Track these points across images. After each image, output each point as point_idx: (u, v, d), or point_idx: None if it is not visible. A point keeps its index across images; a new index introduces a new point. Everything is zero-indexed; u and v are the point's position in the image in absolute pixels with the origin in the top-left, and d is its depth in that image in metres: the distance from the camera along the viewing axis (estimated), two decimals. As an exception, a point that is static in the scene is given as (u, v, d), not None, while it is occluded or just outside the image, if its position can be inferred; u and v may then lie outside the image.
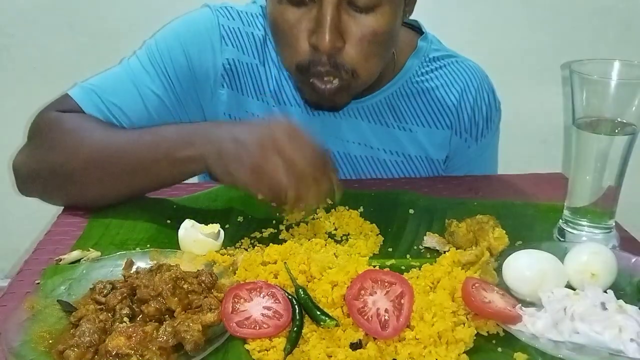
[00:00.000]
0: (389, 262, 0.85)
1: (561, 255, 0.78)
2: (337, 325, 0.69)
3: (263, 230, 0.92)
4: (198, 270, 0.76)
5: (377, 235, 0.91)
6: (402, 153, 1.16)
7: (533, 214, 0.97)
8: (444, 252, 0.85)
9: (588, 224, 0.87)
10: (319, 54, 0.94)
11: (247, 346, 0.67)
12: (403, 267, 0.83)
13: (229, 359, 0.67)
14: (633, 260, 0.80)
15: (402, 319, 0.68)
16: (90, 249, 0.85)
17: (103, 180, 0.94)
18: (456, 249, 0.84)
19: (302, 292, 0.73)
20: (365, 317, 0.69)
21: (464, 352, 0.67)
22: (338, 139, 1.14)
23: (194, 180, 1.10)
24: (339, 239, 0.91)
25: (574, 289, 0.75)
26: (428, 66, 1.16)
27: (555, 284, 0.74)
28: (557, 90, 1.87)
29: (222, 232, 0.87)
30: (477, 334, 0.69)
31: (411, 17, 1.17)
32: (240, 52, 1.10)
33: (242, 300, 0.71)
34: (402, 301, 0.70)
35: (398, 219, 0.96)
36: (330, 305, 0.72)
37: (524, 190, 1.08)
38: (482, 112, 1.18)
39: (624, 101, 0.82)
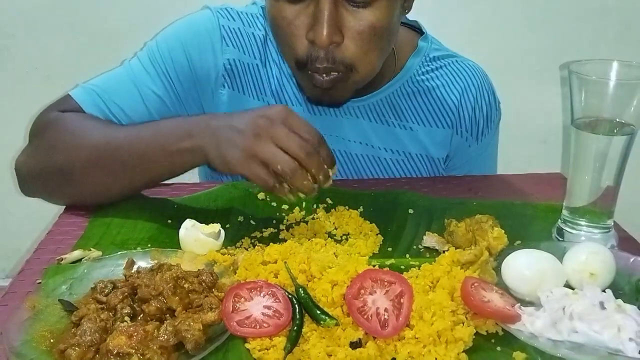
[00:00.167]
0: (388, 262, 0.85)
1: (560, 255, 0.78)
2: (337, 324, 0.69)
3: (263, 230, 0.93)
4: (199, 269, 0.77)
5: (377, 235, 0.92)
6: (403, 152, 1.16)
7: (532, 214, 0.97)
8: (444, 251, 0.85)
9: (587, 223, 0.88)
10: (317, 49, 0.95)
11: (247, 345, 0.68)
12: (402, 267, 0.83)
13: (230, 358, 0.67)
14: (632, 259, 0.81)
15: (402, 318, 0.69)
16: (92, 249, 0.86)
17: (104, 177, 0.94)
18: (455, 249, 0.84)
19: (302, 292, 0.73)
20: (365, 317, 0.69)
21: (463, 351, 0.67)
22: (339, 137, 1.14)
23: (194, 180, 1.11)
24: (339, 238, 0.91)
25: (572, 289, 0.75)
26: (429, 65, 1.16)
27: (554, 284, 0.74)
28: (556, 90, 1.87)
29: (222, 231, 0.88)
30: (476, 333, 0.70)
31: (411, 18, 1.17)
32: (241, 53, 1.11)
33: (242, 299, 0.71)
34: (402, 300, 0.70)
35: (398, 219, 0.96)
36: (330, 304, 0.72)
37: (523, 190, 1.08)
38: (483, 112, 1.18)
39: (623, 101, 0.82)
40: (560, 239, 0.89)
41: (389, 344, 0.67)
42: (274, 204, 1.00)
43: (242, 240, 0.90)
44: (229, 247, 0.87)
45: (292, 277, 0.76)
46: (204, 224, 0.87)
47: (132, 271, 0.79)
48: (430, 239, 0.89)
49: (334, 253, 0.85)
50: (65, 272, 0.79)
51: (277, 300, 0.71)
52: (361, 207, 0.98)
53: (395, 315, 0.69)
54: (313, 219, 0.96)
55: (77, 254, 0.84)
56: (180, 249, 0.85)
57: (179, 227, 0.86)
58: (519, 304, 0.72)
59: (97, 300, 0.73)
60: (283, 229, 0.93)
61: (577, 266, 0.77)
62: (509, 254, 0.78)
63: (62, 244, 0.89)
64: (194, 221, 0.87)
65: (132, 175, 0.94)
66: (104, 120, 1.01)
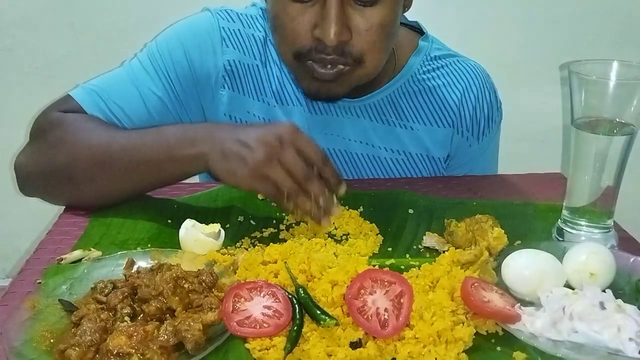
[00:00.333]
0: (388, 262, 0.85)
1: (560, 255, 0.78)
2: (337, 324, 0.69)
3: (263, 230, 0.93)
4: (199, 269, 0.77)
5: (377, 235, 0.92)
6: (403, 151, 1.16)
7: (532, 214, 0.98)
8: (443, 251, 0.85)
9: (587, 223, 0.88)
10: (323, 44, 0.95)
11: (247, 345, 0.68)
12: (402, 267, 0.83)
13: (230, 358, 0.67)
14: (632, 259, 0.81)
15: (402, 318, 0.69)
16: (92, 249, 0.86)
17: (104, 180, 0.94)
18: (455, 249, 0.84)
19: (302, 292, 0.73)
20: (365, 317, 0.69)
21: (463, 351, 0.67)
22: (340, 137, 1.14)
23: (194, 180, 1.11)
24: (339, 238, 0.91)
25: (572, 289, 0.75)
26: (430, 65, 1.17)
27: (554, 284, 0.74)
28: (556, 90, 1.87)
29: (222, 231, 0.88)
30: (476, 333, 0.70)
31: (411, 18, 1.17)
32: (241, 54, 1.11)
33: (242, 299, 0.71)
34: (402, 300, 0.70)
35: (397, 219, 0.96)
36: (330, 304, 0.72)
37: (522, 190, 1.08)
38: (484, 111, 1.18)
39: (623, 101, 0.82)
40: (560, 239, 0.89)
41: (389, 344, 0.67)
42: (274, 204, 1.00)
43: (242, 240, 0.90)
44: (229, 247, 0.87)
45: (292, 277, 0.76)
46: (204, 224, 0.87)
47: (132, 271, 0.79)
48: (430, 239, 0.89)
49: (334, 253, 0.85)
50: (65, 272, 0.80)
51: (277, 300, 0.71)
52: (361, 207, 0.98)
53: (395, 315, 0.69)
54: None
55: (77, 254, 0.84)
56: (180, 249, 0.85)
57: (179, 227, 0.86)
58: (519, 304, 0.72)
59: (97, 300, 0.73)
60: (283, 229, 0.93)
61: (577, 266, 0.77)
62: (509, 254, 0.78)
63: (62, 244, 0.89)
64: (194, 221, 0.87)
65: (133, 179, 0.94)
66: (106, 122, 1.02)
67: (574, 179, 0.89)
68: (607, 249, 0.80)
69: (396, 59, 1.13)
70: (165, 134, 0.93)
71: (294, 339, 0.68)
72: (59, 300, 0.74)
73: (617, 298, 0.72)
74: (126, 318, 0.70)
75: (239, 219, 0.96)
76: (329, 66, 0.97)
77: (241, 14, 1.14)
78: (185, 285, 0.73)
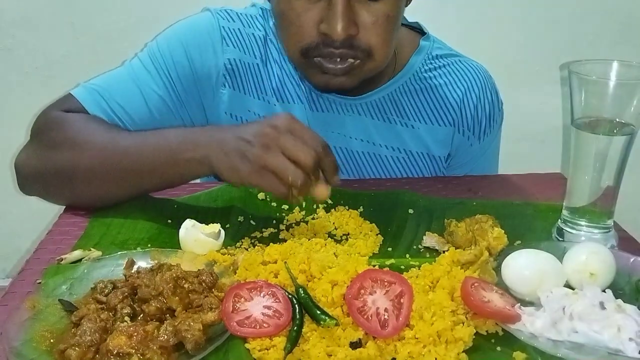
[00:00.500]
0: (388, 262, 0.85)
1: (560, 255, 0.78)
2: (337, 324, 0.69)
3: (263, 230, 0.93)
4: (199, 269, 0.77)
5: (377, 234, 0.92)
6: (404, 150, 1.17)
7: (532, 214, 0.98)
8: (443, 251, 0.85)
9: (587, 223, 0.88)
10: (330, 39, 0.95)
11: (247, 345, 0.68)
12: (402, 267, 0.83)
13: (230, 358, 0.67)
14: (632, 259, 0.80)
15: (402, 318, 0.69)
16: (92, 249, 0.86)
17: (105, 181, 0.94)
18: (455, 249, 0.84)
19: (302, 292, 0.73)
20: (365, 317, 0.69)
21: (463, 351, 0.67)
22: (341, 135, 1.14)
23: (195, 180, 1.11)
24: (339, 238, 0.91)
25: (572, 289, 0.75)
26: (432, 64, 1.17)
27: (554, 284, 0.74)
28: (556, 90, 1.87)
29: (222, 231, 0.88)
30: (476, 333, 0.70)
31: (412, 19, 1.17)
32: (241, 52, 1.11)
33: (242, 299, 0.71)
34: (402, 300, 0.70)
35: (398, 219, 0.96)
36: (330, 304, 0.72)
37: (522, 190, 1.08)
38: (485, 111, 1.18)
39: (623, 101, 0.82)
40: (560, 239, 0.89)
41: (389, 344, 0.67)
42: (274, 204, 1.00)
43: (242, 240, 0.90)
44: (229, 247, 0.87)
45: (292, 277, 0.76)
46: (204, 224, 0.87)
47: (132, 271, 0.79)
48: (430, 239, 0.89)
49: (334, 253, 0.85)
50: (65, 272, 0.80)
51: (277, 300, 0.71)
52: (361, 207, 0.98)
53: (395, 315, 0.69)
54: (313, 219, 0.96)
55: (77, 254, 0.84)
56: (180, 249, 0.85)
57: (179, 227, 0.86)
58: (519, 304, 0.72)
59: (97, 300, 0.73)
60: (283, 229, 0.93)
61: (577, 266, 0.77)
62: (509, 254, 0.78)
63: (62, 244, 0.89)
64: (194, 221, 0.87)
65: (135, 181, 0.94)
66: (107, 123, 1.02)
67: (574, 179, 0.89)
68: (607, 249, 0.80)
69: (397, 58, 1.14)
70: (167, 137, 0.93)
71: (294, 339, 0.68)
72: (59, 300, 0.74)
73: (617, 298, 0.72)
74: (126, 318, 0.70)
75: (239, 219, 0.96)
76: (339, 60, 0.98)
77: (241, 13, 1.14)
78: (185, 285, 0.73)
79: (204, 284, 0.74)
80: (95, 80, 1.07)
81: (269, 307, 0.71)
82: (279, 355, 0.66)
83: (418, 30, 1.20)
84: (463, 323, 0.70)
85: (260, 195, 1.02)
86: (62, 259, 0.83)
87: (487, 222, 0.87)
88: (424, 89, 1.16)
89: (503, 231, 0.85)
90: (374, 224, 0.94)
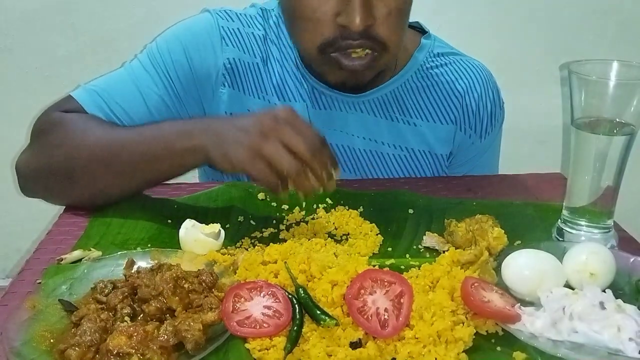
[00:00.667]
0: (388, 262, 0.85)
1: (560, 255, 0.78)
2: (337, 324, 0.69)
3: (263, 230, 0.93)
4: (199, 269, 0.77)
5: (377, 234, 0.92)
6: (406, 147, 1.17)
7: (532, 214, 0.98)
8: (443, 251, 0.85)
9: (587, 223, 0.88)
10: (349, 31, 0.96)
11: (247, 345, 0.68)
12: (402, 267, 0.83)
13: (230, 358, 0.67)
14: (632, 259, 0.80)
15: (402, 318, 0.69)
16: (92, 249, 0.86)
17: (104, 178, 0.94)
18: (455, 249, 0.84)
19: (302, 292, 0.73)
20: (365, 317, 0.69)
21: (463, 351, 0.67)
22: (343, 132, 1.15)
23: (194, 180, 1.11)
24: (339, 238, 0.91)
25: (572, 289, 0.75)
26: (434, 61, 1.18)
27: (554, 284, 0.74)
28: (556, 90, 1.87)
29: (222, 231, 0.88)
30: (476, 333, 0.69)
31: (412, 19, 1.17)
32: (241, 52, 1.11)
33: (242, 299, 0.71)
34: (402, 300, 0.70)
35: (397, 219, 0.96)
36: (330, 304, 0.72)
37: (523, 190, 1.08)
38: (487, 109, 1.19)
39: (623, 101, 0.82)
40: (560, 239, 0.89)
41: (389, 344, 0.67)
42: (274, 204, 1.00)
43: (242, 240, 0.90)
44: (229, 247, 0.87)
45: (292, 277, 0.76)
46: (204, 224, 0.87)
47: (132, 271, 0.79)
48: (430, 239, 0.89)
49: (334, 253, 0.85)
50: (65, 272, 0.80)
51: (277, 300, 0.71)
52: (361, 207, 0.98)
53: (395, 315, 0.69)
54: (313, 219, 0.96)
55: (77, 254, 0.84)
56: (180, 249, 0.85)
57: (179, 227, 0.86)
58: (519, 304, 0.72)
59: (97, 300, 0.73)
60: (283, 229, 0.93)
61: (577, 266, 0.77)
62: (509, 254, 0.78)
63: (62, 244, 0.89)
64: (194, 221, 0.87)
65: (133, 175, 0.94)
66: (105, 121, 1.02)
67: (574, 179, 0.89)
68: (607, 249, 0.80)
69: (399, 56, 1.14)
70: (163, 128, 0.94)
71: (294, 339, 0.68)
72: (59, 300, 0.74)
73: (617, 298, 0.72)
74: (126, 318, 0.70)
75: (239, 219, 0.96)
76: (358, 50, 0.98)
77: (240, 13, 1.15)
78: (185, 285, 0.73)
79: (204, 284, 0.74)
80: (94, 82, 1.08)
81: (269, 307, 0.71)
82: (279, 355, 0.66)
83: (419, 29, 1.20)
84: (463, 323, 0.70)
85: (260, 195, 1.02)
86: (62, 259, 0.83)
87: (487, 222, 0.87)
88: (426, 87, 1.16)
89: (503, 231, 0.85)
90: (374, 224, 0.94)
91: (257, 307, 0.71)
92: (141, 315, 0.71)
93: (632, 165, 0.86)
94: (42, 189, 1.01)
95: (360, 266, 0.77)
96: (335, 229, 0.93)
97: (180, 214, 0.92)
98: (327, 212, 0.97)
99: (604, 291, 0.73)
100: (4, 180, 1.67)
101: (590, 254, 0.77)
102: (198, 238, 0.85)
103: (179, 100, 1.09)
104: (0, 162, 1.71)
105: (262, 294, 0.72)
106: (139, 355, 0.64)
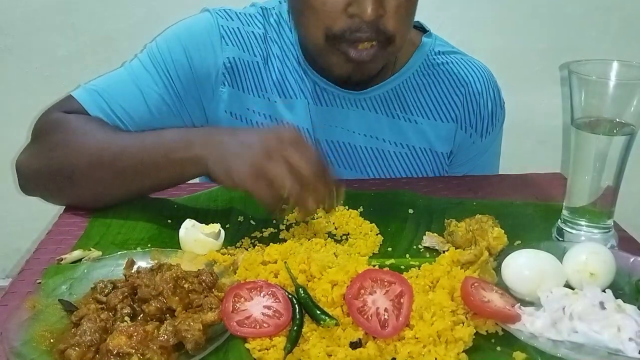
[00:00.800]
0: (388, 262, 0.85)
1: (560, 255, 0.78)
2: (337, 324, 0.69)
3: (263, 230, 0.93)
4: (199, 269, 0.77)
5: (377, 234, 0.92)
6: (407, 145, 1.17)
7: (532, 214, 0.98)
8: (443, 251, 0.85)
9: (587, 223, 0.88)
10: (358, 22, 0.96)
11: (247, 345, 0.68)
12: (402, 267, 0.83)
13: (230, 358, 0.67)
14: (632, 259, 0.81)
15: (402, 318, 0.69)
16: (92, 249, 0.86)
17: (104, 181, 0.95)
18: (455, 249, 0.84)
19: (302, 292, 0.73)
20: (365, 317, 0.69)
21: (463, 351, 0.67)
22: (344, 129, 1.15)
23: (194, 180, 1.11)
24: (339, 238, 0.91)
25: (572, 289, 0.75)
26: (435, 60, 1.18)
27: (554, 284, 0.74)
28: (556, 90, 1.87)
29: (222, 231, 0.88)
30: (476, 333, 0.70)
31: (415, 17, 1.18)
32: (241, 51, 1.11)
33: (242, 299, 0.71)
34: (402, 300, 0.70)
35: (397, 219, 0.96)
36: (330, 304, 0.72)
37: (522, 190, 1.08)
38: (488, 108, 1.19)
39: (623, 101, 0.82)
40: (560, 239, 0.89)
41: (389, 344, 0.67)
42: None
43: (242, 240, 0.90)
44: (229, 247, 0.87)
45: (292, 277, 0.76)
46: (204, 224, 0.87)
47: (132, 271, 0.79)
48: (430, 239, 0.89)
49: (334, 253, 0.85)
50: (65, 272, 0.80)
51: (277, 300, 0.71)
52: (361, 207, 0.98)
53: (395, 315, 0.69)
54: (313, 219, 0.96)
55: (77, 254, 0.84)
56: (180, 249, 0.85)
57: (179, 227, 0.86)
58: (519, 304, 0.72)
59: (97, 300, 0.73)
60: (283, 229, 0.93)
61: (577, 266, 0.77)
62: (509, 254, 0.78)
63: (62, 244, 0.89)
64: (194, 221, 0.87)
65: (132, 180, 0.94)
66: (106, 124, 1.02)
67: (574, 179, 0.89)
68: (607, 249, 0.80)
69: (400, 53, 1.14)
70: (164, 136, 0.93)
71: (294, 339, 0.68)
72: (59, 300, 0.74)
73: (617, 298, 0.72)
74: (126, 318, 0.70)
75: (239, 219, 0.96)
76: (365, 43, 0.98)
77: (240, 12, 1.15)
78: (185, 285, 0.73)
79: (204, 284, 0.74)
80: (95, 82, 1.08)
81: (269, 307, 0.71)
82: (279, 355, 0.66)
83: (420, 28, 1.21)
84: (463, 323, 0.70)
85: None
86: (62, 259, 0.83)
87: (487, 222, 0.87)
88: (428, 85, 1.17)
89: (503, 231, 0.85)
90: (374, 224, 0.94)
91: (257, 307, 0.71)
92: (141, 315, 0.71)
93: (632, 165, 0.86)
94: (42, 188, 1.01)
95: (360, 266, 0.77)
96: (335, 229, 0.93)
97: (180, 214, 0.92)
98: (326, 213, 0.97)
99: (604, 291, 0.73)
100: (4, 180, 1.67)
101: (590, 254, 0.77)
102: (198, 238, 0.85)
103: (179, 99, 1.09)
104: (0, 162, 1.71)
105: (262, 294, 0.72)
106: (139, 355, 0.64)
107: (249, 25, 1.13)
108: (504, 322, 0.70)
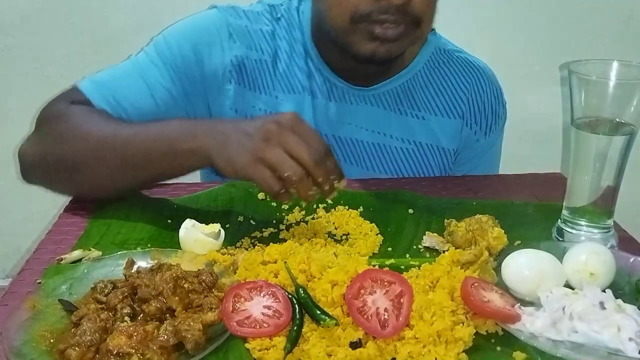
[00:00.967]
0: (388, 262, 0.85)
1: (560, 255, 0.78)
2: (337, 324, 0.69)
3: (263, 229, 0.93)
4: (199, 269, 0.77)
5: (377, 234, 0.92)
6: (414, 141, 1.18)
7: (532, 214, 0.98)
8: (443, 251, 0.85)
9: (587, 223, 0.88)
10: (386, 4, 0.96)
11: (247, 345, 0.68)
12: (402, 267, 0.83)
13: (230, 358, 0.67)
14: (631, 259, 0.81)
15: (402, 318, 0.69)
16: (92, 249, 0.86)
17: (107, 170, 0.94)
18: (455, 249, 0.84)
19: (302, 292, 0.73)
20: (365, 316, 0.69)
21: (463, 351, 0.67)
22: (352, 125, 1.15)
23: (194, 180, 1.11)
24: (339, 238, 0.91)
25: (572, 289, 0.75)
26: (441, 57, 1.20)
27: (554, 284, 0.74)
28: (556, 90, 1.87)
29: (222, 231, 0.88)
30: (476, 333, 0.70)
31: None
32: (248, 49, 1.12)
33: (242, 299, 0.71)
34: (402, 300, 0.70)
35: (397, 219, 0.96)
36: (330, 304, 0.72)
37: (522, 190, 1.08)
38: (492, 107, 1.21)
39: (623, 101, 0.82)
40: (560, 239, 0.89)
41: (388, 344, 0.67)
42: (274, 204, 1.00)
43: (242, 240, 0.90)
44: (229, 247, 0.87)
45: (292, 277, 0.76)
46: (204, 224, 0.87)
47: (132, 271, 0.79)
48: (430, 239, 0.89)
49: (334, 253, 0.85)
50: (65, 272, 0.80)
51: (277, 300, 0.71)
52: (361, 207, 0.98)
53: (395, 315, 0.69)
54: (313, 219, 0.96)
55: (77, 254, 0.84)
56: (180, 249, 0.85)
57: (179, 227, 0.86)
58: (519, 304, 0.72)
59: (97, 300, 0.73)
60: (283, 229, 0.93)
61: (577, 266, 0.77)
62: (509, 253, 0.78)
63: (62, 244, 0.89)
64: (194, 221, 0.87)
65: (135, 171, 0.94)
66: (110, 115, 1.02)
67: (574, 178, 0.89)
68: (607, 249, 0.80)
69: (408, 50, 1.14)
70: (167, 127, 0.93)
71: (294, 339, 0.68)
72: (59, 300, 0.74)
73: (617, 298, 0.72)
74: (126, 318, 0.70)
75: (239, 219, 0.96)
76: (392, 26, 0.98)
77: (247, 10, 1.15)
78: (185, 285, 0.73)
79: (204, 284, 0.74)
80: (100, 74, 1.07)
81: (269, 307, 0.71)
82: (279, 355, 0.66)
83: None
84: (463, 323, 0.70)
85: (260, 195, 1.02)
86: (62, 259, 0.83)
87: (487, 222, 0.87)
88: (435, 81, 1.18)
89: (503, 231, 0.85)
90: (374, 224, 0.94)
91: (257, 307, 0.71)
92: (141, 315, 0.71)
93: (632, 165, 0.86)
94: (43, 177, 1.01)
95: (360, 266, 0.77)
96: (336, 229, 0.93)
97: (180, 214, 0.92)
98: (327, 212, 0.97)
99: (604, 291, 0.73)
100: (4, 180, 1.66)
101: (590, 254, 0.77)
102: (198, 238, 0.85)
103: (185, 93, 1.09)
104: (0, 162, 1.70)
105: (262, 294, 0.72)
106: (139, 355, 0.64)
107: (256, 23, 1.14)
108: (504, 322, 0.70)
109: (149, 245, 0.88)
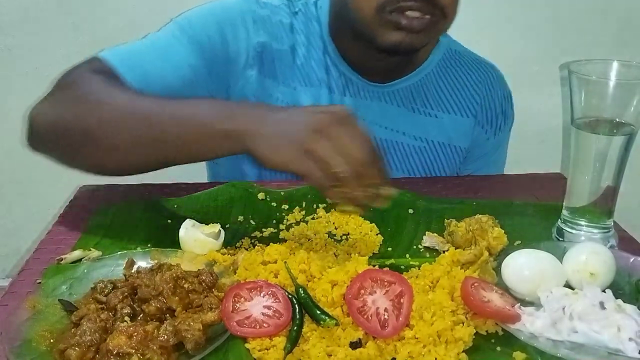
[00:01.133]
0: (388, 262, 0.85)
1: (560, 255, 0.78)
2: (337, 324, 0.69)
3: (263, 229, 0.93)
4: (199, 269, 0.77)
5: (377, 234, 0.92)
6: (426, 139, 1.18)
7: (532, 214, 0.98)
8: (443, 251, 0.85)
9: (587, 223, 0.88)
10: None
11: (247, 345, 0.68)
12: (402, 267, 0.83)
13: (230, 358, 0.67)
14: (631, 259, 0.81)
15: (402, 318, 0.69)
16: (92, 249, 0.86)
17: (123, 145, 0.86)
18: (455, 249, 0.84)
19: (302, 292, 0.73)
20: (365, 317, 0.69)
21: (463, 351, 0.67)
22: (365, 121, 1.12)
23: (194, 180, 1.11)
24: (339, 238, 0.91)
25: (572, 289, 0.75)
26: (453, 58, 1.21)
27: (554, 284, 0.74)
28: (556, 90, 1.87)
29: (222, 231, 0.88)
30: (476, 333, 0.70)
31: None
32: (270, 39, 1.11)
33: (242, 299, 0.71)
34: (402, 300, 0.70)
35: (397, 219, 0.96)
36: (330, 304, 0.72)
37: (523, 190, 1.08)
38: (502, 107, 1.23)
39: (623, 101, 0.82)
40: (560, 239, 0.89)
41: (388, 344, 0.67)
42: (274, 204, 1.00)
43: (242, 240, 0.90)
44: (228, 247, 0.87)
45: (292, 277, 0.76)
46: (204, 224, 0.87)
47: (132, 271, 0.79)
48: (430, 239, 0.89)
49: (334, 253, 0.85)
50: (65, 272, 0.80)
51: (277, 300, 0.71)
52: (361, 207, 0.98)
53: (395, 315, 0.69)
54: (313, 219, 0.96)
55: (77, 254, 0.84)
56: (180, 249, 0.85)
57: (179, 227, 0.86)
58: (519, 304, 0.72)
59: (97, 300, 0.73)
60: (283, 229, 0.93)
61: (577, 266, 0.77)
62: (509, 254, 0.78)
63: (62, 244, 0.89)
64: (194, 221, 0.87)
65: (154, 150, 0.85)
66: (131, 87, 0.95)
67: (574, 178, 0.89)
68: (607, 249, 0.80)
69: (421, 49, 1.14)
70: (197, 105, 0.85)
71: (294, 339, 0.68)
72: (59, 300, 0.74)
73: (617, 298, 0.72)
74: (126, 318, 0.70)
75: (239, 219, 0.96)
76: (418, 14, 0.98)
77: (267, 2, 1.14)
78: (185, 285, 0.73)
79: (204, 284, 0.74)
80: (121, 46, 1.03)
81: (269, 307, 0.71)
82: (279, 355, 0.66)
83: None
84: (463, 323, 0.70)
85: (261, 195, 1.02)
86: (62, 259, 0.83)
87: (487, 222, 0.87)
88: (448, 80, 1.19)
89: (503, 231, 0.85)
90: (374, 224, 0.94)
91: (257, 307, 0.71)
92: (141, 315, 0.71)
93: (632, 165, 0.86)
94: (52, 144, 0.93)
95: (360, 266, 0.77)
96: (336, 229, 0.93)
97: (180, 214, 0.92)
98: (327, 212, 0.97)
99: (604, 291, 0.73)
100: (4, 180, 1.66)
101: (590, 254, 0.77)
102: (198, 238, 0.85)
103: (209, 73, 1.06)
104: (0, 162, 1.71)
105: (262, 294, 0.72)
106: (139, 355, 0.64)
107: (276, 14, 1.13)
108: (504, 322, 0.70)
109: (149, 245, 0.88)
